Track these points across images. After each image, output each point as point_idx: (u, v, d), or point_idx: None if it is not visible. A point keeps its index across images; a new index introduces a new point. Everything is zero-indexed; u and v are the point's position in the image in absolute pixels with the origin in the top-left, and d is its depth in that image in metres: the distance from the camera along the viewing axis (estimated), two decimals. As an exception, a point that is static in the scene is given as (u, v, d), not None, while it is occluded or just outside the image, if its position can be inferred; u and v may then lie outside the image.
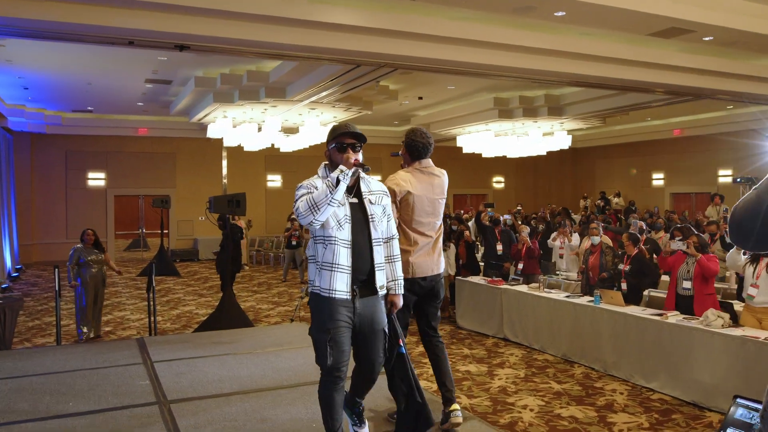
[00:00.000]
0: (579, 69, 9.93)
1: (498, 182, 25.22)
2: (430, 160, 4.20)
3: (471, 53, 8.99)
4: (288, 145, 15.64)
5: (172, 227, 19.53)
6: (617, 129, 20.62)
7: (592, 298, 7.20)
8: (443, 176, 4.22)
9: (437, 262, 4.15)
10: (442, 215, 4.23)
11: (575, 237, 10.43)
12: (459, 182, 23.45)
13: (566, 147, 17.10)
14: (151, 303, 7.52)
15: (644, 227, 9.98)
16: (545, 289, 7.97)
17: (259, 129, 14.08)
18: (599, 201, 21.96)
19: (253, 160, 20.46)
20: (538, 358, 7.44)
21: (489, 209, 11.30)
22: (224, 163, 20.03)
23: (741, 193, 18.38)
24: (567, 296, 7.56)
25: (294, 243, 13.76)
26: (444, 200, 4.23)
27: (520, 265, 9.16)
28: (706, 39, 9.77)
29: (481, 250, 11.17)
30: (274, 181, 21.38)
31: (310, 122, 13.96)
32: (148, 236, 21.25)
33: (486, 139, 16.73)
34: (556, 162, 24.45)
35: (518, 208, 19.27)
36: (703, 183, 20.06)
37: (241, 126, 13.98)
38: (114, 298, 12.23)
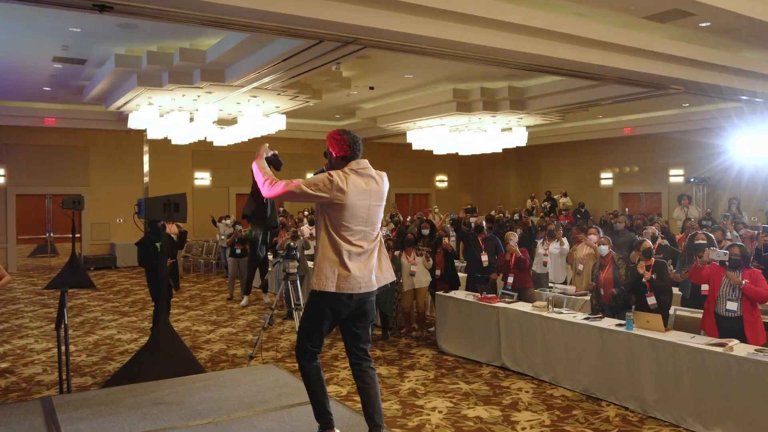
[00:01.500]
0: (568, 54, 8.75)
1: (441, 181, 24.11)
2: (366, 161, 3.82)
3: (456, 30, 7.62)
4: (223, 138, 13.81)
5: (85, 231, 17.17)
6: (566, 127, 19.83)
7: (620, 322, 5.99)
8: (382, 181, 3.86)
9: (369, 278, 3.75)
10: (379, 225, 3.88)
11: (564, 241, 9.28)
12: (401, 181, 22.19)
13: (523, 144, 16.07)
14: (62, 347, 5.64)
15: (657, 233, 8.90)
16: (554, 309, 6.70)
17: (191, 119, 12.20)
18: (545, 202, 21.22)
19: (178, 156, 18.38)
20: (554, 395, 6.16)
21: (471, 215, 9.97)
22: (146, 158, 17.93)
23: (694, 194, 18.04)
24: (586, 318, 6.32)
25: (238, 252, 11.87)
26: (381, 207, 3.87)
27: (510, 279, 7.86)
28: (703, 25, 8.83)
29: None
30: (203, 179, 19.36)
31: (249, 113, 12.19)
32: (56, 241, 18.73)
33: (440, 134, 15.46)
34: (500, 161, 23.57)
35: (467, 207, 18.17)
36: (654, 183, 19.62)
37: (169, 115, 12.05)
38: (14, 320, 10.10)
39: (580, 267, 8.08)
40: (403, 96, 14.53)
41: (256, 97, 11.92)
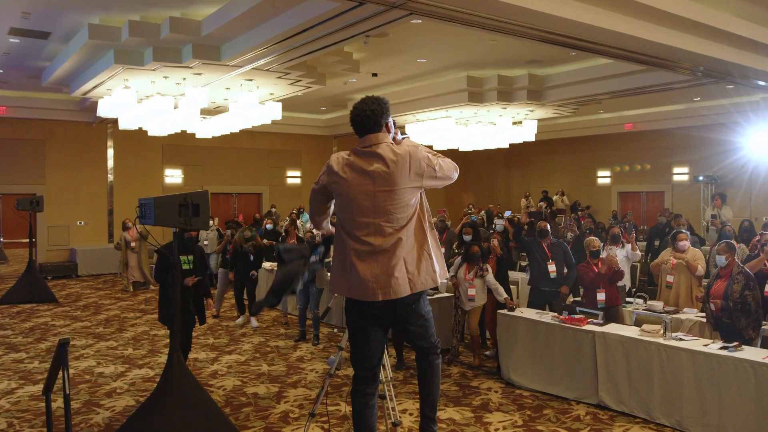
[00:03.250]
0: (629, 28, 7.45)
1: (426, 180, 22.72)
2: (377, 135, 3.25)
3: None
4: (208, 130, 12.10)
5: (41, 235, 15.12)
6: (560, 123, 18.77)
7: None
8: (399, 160, 3.20)
9: (388, 283, 3.15)
10: (401, 215, 3.21)
11: (627, 247, 7.99)
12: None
13: (531, 139, 14.85)
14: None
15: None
16: (671, 335, 5.38)
17: (175, 106, 10.47)
18: (542, 201, 20.10)
19: (147, 151, 16.53)
20: (692, 448, 4.84)
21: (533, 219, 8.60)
22: (110, 153, 16.09)
23: (702, 193, 17.17)
24: (723, 348, 5.00)
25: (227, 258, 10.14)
26: (395, 194, 3.19)
27: (602, 295, 6.49)
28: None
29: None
30: (174, 176, 17.49)
31: (243, 99, 10.53)
32: (6, 246, 16.57)
33: (444, 128, 14.08)
34: (487, 158, 22.39)
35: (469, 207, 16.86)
36: (655, 182, 18.70)
37: (149, 101, 10.30)
38: (-38, 346, 8.27)
39: (670, 278, 6.80)
40: (409, 84, 13.11)
41: (251, 80, 10.32)
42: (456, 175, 3.47)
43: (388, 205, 3.17)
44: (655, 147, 18.30)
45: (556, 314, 6.21)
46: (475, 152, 18.16)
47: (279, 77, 10.08)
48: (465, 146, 15.45)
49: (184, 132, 12.48)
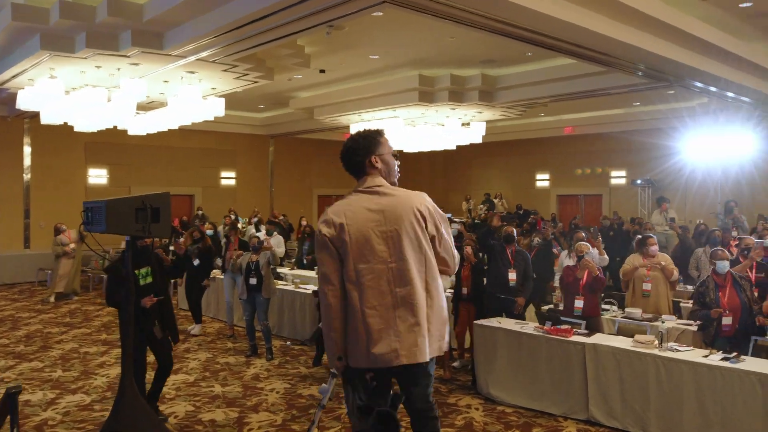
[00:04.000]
0: (599, 26, 7.29)
1: (366, 182, 22.25)
2: (375, 179, 2.93)
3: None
4: (143, 126, 11.17)
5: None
6: (500, 125, 18.73)
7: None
8: (402, 197, 2.87)
9: (414, 342, 2.72)
10: (417, 256, 2.81)
11: (594, 252, 7.76)
12: (324, 182, 20.33)
13: (479, 140, 14.64)
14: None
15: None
16: (667, 346, 5.11)
17: (108, 99, 9.53)
18: (483, 204, 20.05)
19: (68, 149, 15.30)
20: (698, 467, 4.56)
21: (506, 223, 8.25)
22: (27, 151, 14.77)
23: (639, 197, 17.51)
24: (724, 359, 4.76)
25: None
26: (411, 234, 2.82)
27: (580, 302, 6.20)
28: (744, 5, 7.71)
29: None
30: (98, 177, 16.26)
31: (185, 93, 9.69)
32: None
33: (391, 128, 13.64)
34: (426, 160, 22.21)
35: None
36: (593, 185, 18.97)
37: (79, 92, 9.33)
38: None
39: (647, 286, 6.58)
40: (358, 82, 12.59)
41: (193, 73, 9.55)
42: (454, 267, 3.04)
43: (403, 246, 2.81)
44: (593, 150, 18.55)
45: (540, 325, 5.87)
46: (415, 154, 17.87)
47: (225, 70, 9.36)
48: (411, 148, 15.08)
49: (110, 129, 11.48)
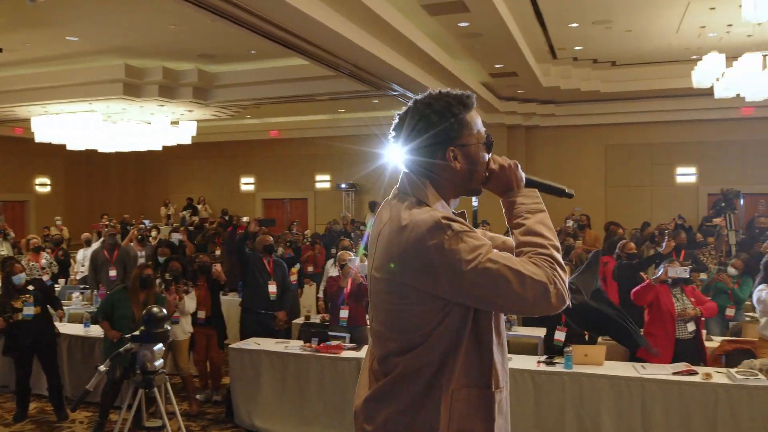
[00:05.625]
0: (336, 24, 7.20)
1: (42, 185, 19.12)
2: (403, 186, 1.80)
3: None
4: None
5: None
6: (202, 126, 17.83)
7: (557, 360, 4.83)
8: (393, 226, 1.69)
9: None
10: (385, 316, 1.73)
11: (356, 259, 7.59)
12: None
13: (188, 141, 13.58)
14: None
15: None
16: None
17: None
18: (186, 210, 18.77)
19: None
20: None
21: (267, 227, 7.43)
22: None
23: (343, 200, 18.20)
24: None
25: None
26: (382, 277, 1.70)
27: (345, 313, 5.89)
28: (462, 24, 8.41)
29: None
30: None
31: None
32: None
33: (85, 124, 11.85)
34: (115, 162, 20.02)
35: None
36: (299, 189, 19.17)
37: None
38: None
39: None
40: (46, 67, 10.57)
41: None
42: (547, 305, 1.62)
43: (380, 298, 1.76)
44: (299, 155, 18.75)
45: (307, 343, 5.44)
46: (104, 155, 15.88)
47: None
48: (109, 147, 13.32)
49: None
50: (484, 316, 1.69)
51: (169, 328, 4.05)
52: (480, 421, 1.67)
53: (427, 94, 1.77)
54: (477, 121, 1.77)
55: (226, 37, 8.76)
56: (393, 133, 1.81)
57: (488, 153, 1.78)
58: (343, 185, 17.74)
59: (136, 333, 3.85)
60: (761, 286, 5.03)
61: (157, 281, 5.72)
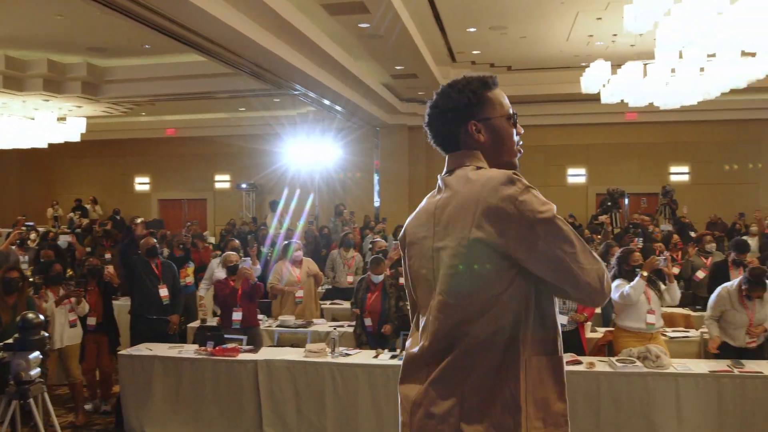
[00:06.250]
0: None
1: None
2: (466, 158, 1.76)
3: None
4: None
5: None
6: (92, 123, 16.91)
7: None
8: (461, 187, 1.69)
9: (421, 425, 1.69)
10: (460, 284, 1.65)
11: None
12: None
13: (77, 139, 12.85)
14: None
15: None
16: (339, 351, 5.11)
17: None
18: (74, 211, 17.74)
19: None
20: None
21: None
22: None
23: (244, 200, 17.80)
24: (393, 357, 4.98)
25: None
26: (455, 249, 1.65)
27: (237, 315, 5.72)
28: (362, 25, 8.47)
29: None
30: None
31: None
32: None
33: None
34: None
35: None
36: (197, 189, 18.58)
37: None
38: None
39: (300, 293, 6.55)
40: None
41: None
42: (601, 290, 1.65)
43: (439, 268, 1.71)
44: (197, 154, 18.18)
45: (202, 347, 5.26)
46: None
47: None
48: (-14, 143, 12.38)
49: None
50: (545, 291, 1.69)
51: (46, 334, 3.78)
52: (553, 387, 1.69)
53: (453, 79, 1.85)
54: (501, 98, 1.82)
55: (118, 29, 8.35)
56: (426, 119, 1.86)
57: (514, 128, 1.83)
58: (244, 185, 17.39)
59: (9, 341, 3.58)
60: (618, 282, 5.12)
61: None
